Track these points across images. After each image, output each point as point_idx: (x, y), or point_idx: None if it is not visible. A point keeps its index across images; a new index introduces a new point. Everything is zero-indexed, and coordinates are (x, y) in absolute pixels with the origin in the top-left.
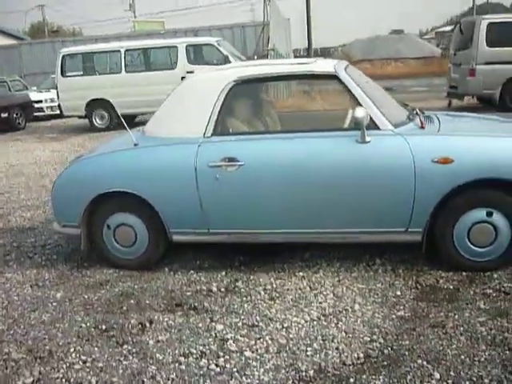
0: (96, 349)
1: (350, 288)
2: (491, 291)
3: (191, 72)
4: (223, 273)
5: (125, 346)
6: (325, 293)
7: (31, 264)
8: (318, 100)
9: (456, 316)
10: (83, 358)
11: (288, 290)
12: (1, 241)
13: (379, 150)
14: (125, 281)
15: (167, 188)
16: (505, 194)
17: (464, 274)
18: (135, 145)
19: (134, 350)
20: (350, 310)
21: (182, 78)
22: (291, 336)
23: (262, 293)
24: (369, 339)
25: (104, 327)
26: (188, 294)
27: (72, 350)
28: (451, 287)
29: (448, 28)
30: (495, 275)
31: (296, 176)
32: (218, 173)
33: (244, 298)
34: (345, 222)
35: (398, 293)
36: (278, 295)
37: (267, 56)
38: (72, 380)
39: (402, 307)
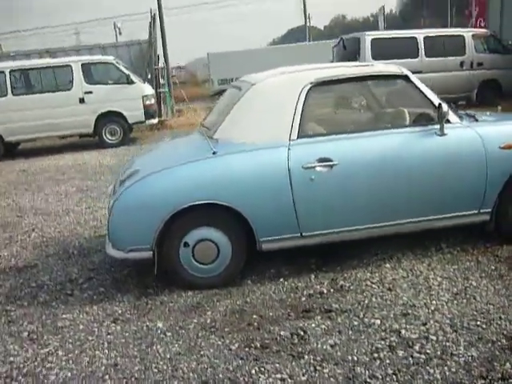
0: (281, 365)
1: (447, 270)
2: None
3: (90, 92)
4: (312, 276)
5: (306, 357)
6: (431, 277)
7: (87, 298)
8: (382, 100)
9: None
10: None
11: (393, 279)
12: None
13: (456, 141)
14: (219, 299)
15: (259, 195)
16: None
17: None
18: (214, 153)
19: (318, 358)
20: (470, 287)
21: (81, 99)
22: (450, 315)
23: (374, 286)
24: (509, 303)
25: (259, 344)
26: (303, 299)
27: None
28: None
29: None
30: None
31: (385, 171)
32: (313, 174)
33: (364, 294)
34: (427, 210)
35: (493, 267)
36: (390, 286)
37: (158, 75)
38: None
39: (508, 277)
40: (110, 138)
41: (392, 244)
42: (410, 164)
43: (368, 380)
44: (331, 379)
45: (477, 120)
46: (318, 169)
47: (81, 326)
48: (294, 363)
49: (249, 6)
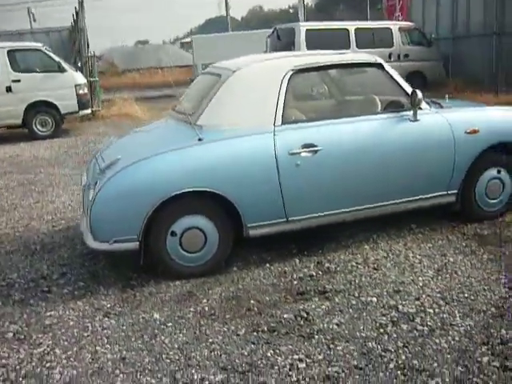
0: (294, 346)
1: (423, 249)
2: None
3: (17, 81)
4: (297, 260)
5: (316, 337)
6: (411, 255)
7: (68, 293)
8: (358, 87)
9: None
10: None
11: (376, 259)
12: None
13: (427, 127)
14: (210, 287)
15: (247, 181)
16: (508, 155)
17: (485, 222)
18: (200, 139)
19: (328, 337)
20: (449, 263)
21: (7, 87)
22: (438, 289)
23: (360, 266)
24: (487, 275)
25: (266, 328)
26: (295, 283)
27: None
28: (485, 232)
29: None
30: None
31: (365, 155)
32: (299, 159)
33: (352, 274)
34: (402, 192)
35: (463, 244)
36: (375, 265)
37: (88, 64)
38: None
39: (479, 252)
40: (40, 129)
41: (366, 226)
42: (387, 148)
43: (382, 354)
44: (347, 356)
45: (442, 106)
46: (303, 154)
47: (71, 323)
48: (306, 344)
49: None
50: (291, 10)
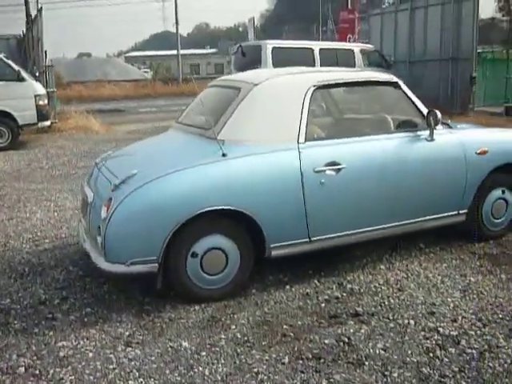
0: (347, 374)
1: (440, 269)
2: None
3: None
4: (316, 281)
5: (367, 363)
6: (430, 276)
7: (76, 320)
8: (374, 105)
9: None
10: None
11: (397, 280)
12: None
13: (442, 146)
14: (233, 312)
15: (272, 199)
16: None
17: (491, 241)
18: (223, 155)
19: (378, 363)
20: (471, 283)
21: None
22: (471, 311)
23: (383, 287)
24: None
25: (310, 355)
26: (322, 305)
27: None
28: (495, 252)
29: (136, 53)
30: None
31: (386, 173)
32: (323, 178)
33: (379, 296)
34: (419, 211)
35: (478, 263)
36: (399, 286)
37: (47, 72)
38: None
39: (496, 272)
40: None
41: (375, 246)
42: (406, 167)
43: (441, 380)
44: (405, 382)
45: (450, 127)
46: (327, 172)
47: (90, 354)
48: (358, 371)
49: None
50: (240, 29)
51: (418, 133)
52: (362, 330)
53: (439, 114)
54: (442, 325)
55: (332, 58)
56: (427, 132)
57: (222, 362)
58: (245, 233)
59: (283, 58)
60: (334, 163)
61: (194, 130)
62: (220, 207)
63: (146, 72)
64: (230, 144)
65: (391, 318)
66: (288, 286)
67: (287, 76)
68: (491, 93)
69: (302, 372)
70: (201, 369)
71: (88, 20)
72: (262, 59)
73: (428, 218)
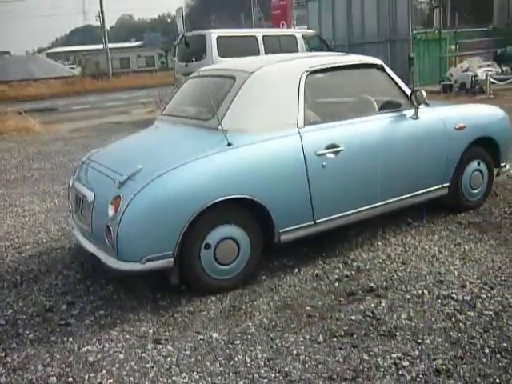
0: (384, 345)
1: (434, 240)
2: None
3: None
4: (320, 262)
5: (398, 334)
6: (427, 247)
7: (93, 324)
8: (363, 88)
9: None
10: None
11: (397, 254)
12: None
13: (426, 123)
14: (251, 299)
15: (279, 185)
16: (485, 148)
17: (471, 211)
18: (229, 144)
19: (408, 332)
20: (467, 251)
21: None
22: (475, 276)
23: (387, 262)
24: (508, 259)
25: (342, 332)
26: (336, 284)
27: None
28: (477, 220)
29: (58, 49)
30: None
31: (380, 152)
32: (325, 160)
33: (386, 270)
34: (409, 188)
35: (466, 232)
36: (401, 260)
37: None
38: None
39: (485, 239)
40: None
41: (366, 225)
42: (397, 145)
43: (472, 341)
44: (440, 347)
45: (429, 105)
46: (328, 155)
47: (121, 356)
48: (393, 342)
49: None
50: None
51: (404, 112)
52: (383, 304)
53: (424, 93)
54: (453, 291)
55: (275, 45)
56: (411, 111)
57: (259, 348)
58: (254, 220)
59: (228, 47)
60: (333, 146)
61: (190, 121)
62: (233, 196)
63: (72, 68)
64: (232, 133)
65: (405, 289)
66: (296, 270)
67: (281, 63)
68: (427, 72)
69: (341, 349)
70: (240, 357)
71: (1, 17)
72: (207, 48)
73: (417, 193)
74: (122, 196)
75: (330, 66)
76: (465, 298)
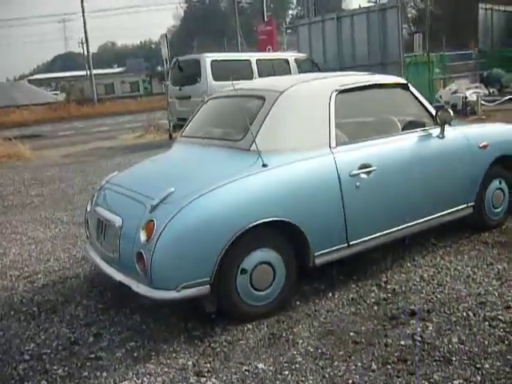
0: (443, 372)
1: (464, 260)
2: None
3: None
4: (353, 285)
5: (454, 359)
6: (459, 268)
7: (126, 357)
8: (389, 107)
9: None
10: None
11: (430, 276)
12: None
13: (452, 142)
14: (290, 326)
15: (314, 206)
16: (505, 167)
17: (493, 230)
18: (264, 165)
19: (464, 357)
20: (501, 271)
21: None
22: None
23: (422, 284)
24: None
25: (395, 359)
26: (375, 308)
27: None
28: (503, 240)
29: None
30: None
31: (410, 172)
32: (358, 181)
33: (423, 293)
34: (437, 207)
35: (495, 252)
36: (436, 282)
37: None
38: None
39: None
40: None
41: (390, 247)
42: (425, 164)
43: None
44: (501, 372)
45: (451, 124)
46: (361, 176)
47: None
48: (451, 367)
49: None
50: (153, 46)
51: (430, 131)
52: (430, 328)
53: (452, 113)
54: (499, 313)
55: (269, 68)
56: (437, 130)
57: (311, 378)
58: (289, 244)
59: (222, 71)
60: (365, 166)
61: (217, 142)
62: (269, 219)
63: (55, 94)
64: (265, 154)
65: (448, 312)
66: (330, 294)
67: (310, 82)
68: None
69: (398, 376)
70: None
71: None
72: (202, 72)
73: (446, 212)
74: (156, 220)
75: (358, 85)
76: None
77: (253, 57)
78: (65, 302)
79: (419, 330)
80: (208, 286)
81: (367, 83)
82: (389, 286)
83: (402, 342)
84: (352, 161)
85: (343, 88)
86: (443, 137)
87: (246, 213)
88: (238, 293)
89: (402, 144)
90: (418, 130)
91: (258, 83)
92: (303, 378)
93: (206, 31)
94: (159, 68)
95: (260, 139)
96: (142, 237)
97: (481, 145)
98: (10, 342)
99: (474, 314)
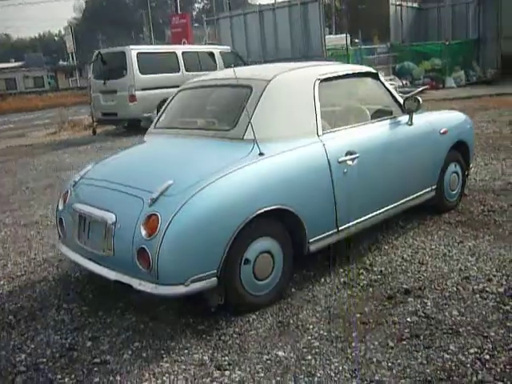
0: (466, 345)
1: (435, 240)
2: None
3: None
4: (340, 270)
5: (461, 330)
6: (434, 247)
7: (135, 358)
8: (362, 95)
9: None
10: None
11: (411, 255)
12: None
13: (418, 129)
14: (294, 313)
15: (309, 194)
16: (459, 151)
17: (452, 211)
18: (260, 154)
19: (470, 330)
20: (472, 248)
21: None
22: (495, 268)
23: (406, 264)
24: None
25: (408, 334)
26: (370, 289)
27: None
28: (463, 219)
29: None
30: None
31: (387, 157)
32: (345, 167)
33: (410, 272)
34: (409, 190)
35: (460, 231)
36: (418, 261)
37: None
38: None
39: (481, 235)
40: None
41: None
42: (399, 150)
43: None
44: (509, 337)
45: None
46: (347, 162)
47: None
48: (461, 338)
49: None
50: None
51: (399, 118)
52: (428, 304)
53: (421, 100)
54: (485, 285)
55: (195, 61)
56: (405, 117)
57: (336, 360)
58: (285, 232)
59: (148, 63)
60: (350, 153)
61: (199, 132)
62: (272, 207)
63: None
64: (260, 142)
65: (439, 288)
66: (322, 279)
67: (294, 71)
68: None
69: (417, 351)
70: (322, 372)
71: None
72: (128, 65)
73: (415, 195)
74: (160, 214)
75: (336, 74)
76: (498, 290)
77: (179, 49)
78: (43, 308)
79: (419, 306)
80: (215, 278)
81: (344, 72)
82: (375, 268)
83: (409, 319)
84: (339, 148)
85: (324, 77)
86: (411, 124)
87: (249, 202)
88: (242, 284)
89: (379, 131)
90: (390, 117)
91: (242, 72)
92: (328, 361)
93: (110, 24)
94: (61, 62)
95: (253, 128)
96: (143, 232)
97: (442, 131)
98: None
99: (464, 288)
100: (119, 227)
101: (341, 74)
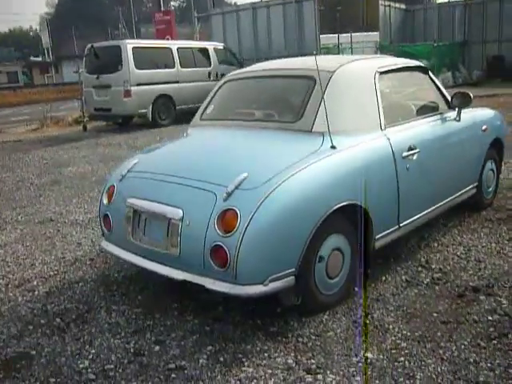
0: None
1: (483, 238)
2: None
3: None
4: (398, 268)
5: None
6: (484, 245)
7: (208, 360)
8: (414, 90)
9: None
10: None
11: (464, 253)
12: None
13: (465, 125)
14: (369, 313)
15: (377, 189)
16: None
17: (488, 209)
18: (332, 147)
19: None
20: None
21: None
22: None
23: (463, 261)
24: None
25: (491, 332)
26: (436, 288)
27: None
28: (503, 216)
29: None
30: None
31: (444, 153)
32: (408, 163)
33: (471, 269)
34: (456, 187)
35: (505, 228)
36: (474, 258)
37: None
38: None
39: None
40: None
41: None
42: (452, 146)
43: None
44: None
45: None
46: (409, 157)
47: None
48: None
49: None
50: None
51: (448, 114)
52: (504, 301)
53: (471, 95)
54: None
55: (189, 56)
56: (453, 113)
57: (430, 361)
58: (353, 228)
59: (144, 58)
60: (411, 148)
61: (257, 123)
62: (346, 202)
63: None
64: (325, 135)
65: (508, 285)
66: (383, 278)
67: (354, 63)
68: None
69: (510, 350)
70: (421, 374)
71: None
72: (123, 60)
73: (460, 192)
74: (238, 209)
75: (394, 67)
76: None
77: (174, 45)
78: (91, 310)
79: (495, 304)
80: (293, 277)
81: (400, 65)
82: (433, 266)
83: (490, 318)
84: (402, 143)
85: (382, 70)
86: (459, 120)
87: (328, 197)
88: (315, 282)
89: (433, 126)
90: (440, 112)
91: (301, 62)
92: (422, 362)
93: (84, 20)
94: (32, 58)
95: (319, 120)
96: (218, 229)
97: (483, 128)
98: (53, 361)
99: None
100: (187, 223)
101: (398, 67)
